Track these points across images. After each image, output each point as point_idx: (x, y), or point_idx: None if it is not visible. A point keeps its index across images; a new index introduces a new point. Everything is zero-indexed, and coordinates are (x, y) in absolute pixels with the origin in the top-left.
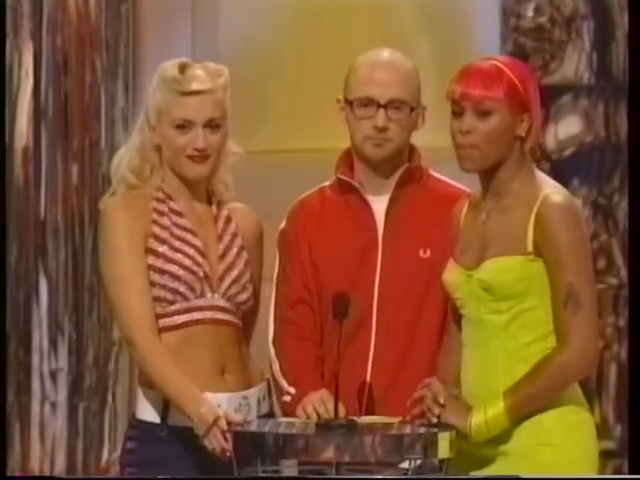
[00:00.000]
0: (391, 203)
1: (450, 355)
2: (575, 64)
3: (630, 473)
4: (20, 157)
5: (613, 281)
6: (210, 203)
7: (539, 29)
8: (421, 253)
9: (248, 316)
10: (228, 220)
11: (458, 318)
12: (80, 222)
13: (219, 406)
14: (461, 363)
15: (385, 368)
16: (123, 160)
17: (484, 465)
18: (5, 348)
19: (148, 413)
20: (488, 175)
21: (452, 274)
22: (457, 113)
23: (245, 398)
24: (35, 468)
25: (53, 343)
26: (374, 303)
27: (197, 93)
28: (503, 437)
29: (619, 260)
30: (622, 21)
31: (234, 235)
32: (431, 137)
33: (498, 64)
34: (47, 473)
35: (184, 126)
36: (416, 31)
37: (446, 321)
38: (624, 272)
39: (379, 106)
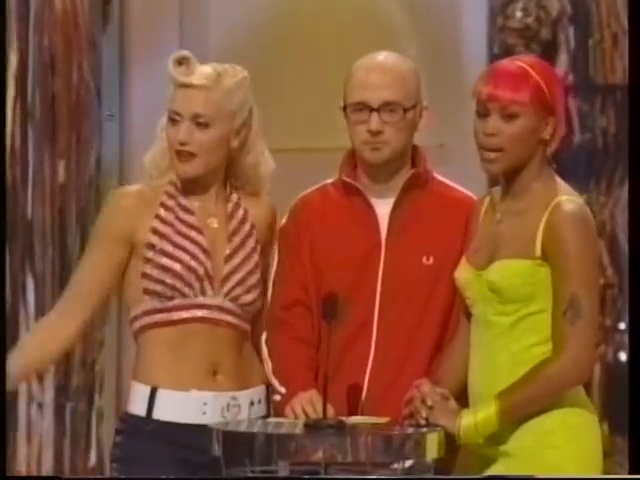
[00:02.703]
0: (395, 207)
1: (453, 354)
2: (561, 64)
3: (630, 473)
4: (7, 157)
5: (599, 281)
6: (227, 201)
7: (526, 29)
8: (424, 260)
9: (257, 317)
10: (243, 220)
11: (468, 317)
12: (67, 222)
13: (205, 404)
14: (468, 363)
15: (384, 372)
16: (150, 153)
17: (487, 465)
18: None
19: (135, 406)
20: (510, 177)
21: (463, 273)
22: (482, 114)
23: (234, 399)
24: (22, 468)
25: None
26: (375, 307)
27: (188, 86)
28: (506, 438)
29: (605, 260)
30: (607, 21)
31: (247, 236)
32: (421, 136)
33: (525, 66)
34: (34, 473)
35: (174, 119)
36: (404, 31)
37: (448, 325)
38: (610, 272)
39: (372, 110)
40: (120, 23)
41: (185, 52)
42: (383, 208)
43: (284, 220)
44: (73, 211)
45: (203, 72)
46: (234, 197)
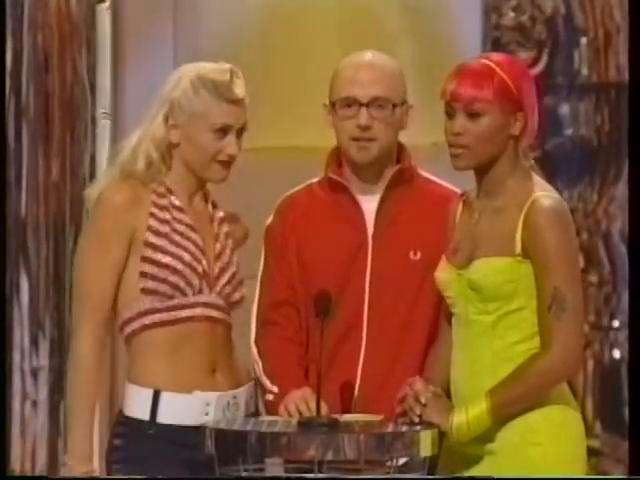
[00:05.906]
0: (381, 204)
1: (439, 354)
2: (555, 63)
3: (630, 473)
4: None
5: (594, 279)
6: (207, 201)
7: (520, 27)
8: (411, 255)
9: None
10: (222, 221)
11: (450, 317)
12: (61, 221)
13: (208, 405)
14: (450, 362)
15: (376, 369)
16: (139, 149)
17: (471, 464)
18: None
19: (136, 410)
20: (482, 173)
21: (443, 273)
22: (449, 114)
23: (234, 397)
24: (16, 467)
25: (34, 341)
26: (365, 304)
27: (240, 101)
28: (490, 436)
29: (600, 258)
30: (601, 20)
31: (227, 235)
32: (414, 135)
33: (490, 64)
34: (28, 472)
35: (223, 131)
36: (398, 29)
37: (438, 320)
38: (605, 270)
39: (361, 105)
40: (114, 22)
41: (230, 65)
42: (369, 205)
43: (270, 220)
44: (67, 210)
45: (241, 82)
46: (210, 198)
